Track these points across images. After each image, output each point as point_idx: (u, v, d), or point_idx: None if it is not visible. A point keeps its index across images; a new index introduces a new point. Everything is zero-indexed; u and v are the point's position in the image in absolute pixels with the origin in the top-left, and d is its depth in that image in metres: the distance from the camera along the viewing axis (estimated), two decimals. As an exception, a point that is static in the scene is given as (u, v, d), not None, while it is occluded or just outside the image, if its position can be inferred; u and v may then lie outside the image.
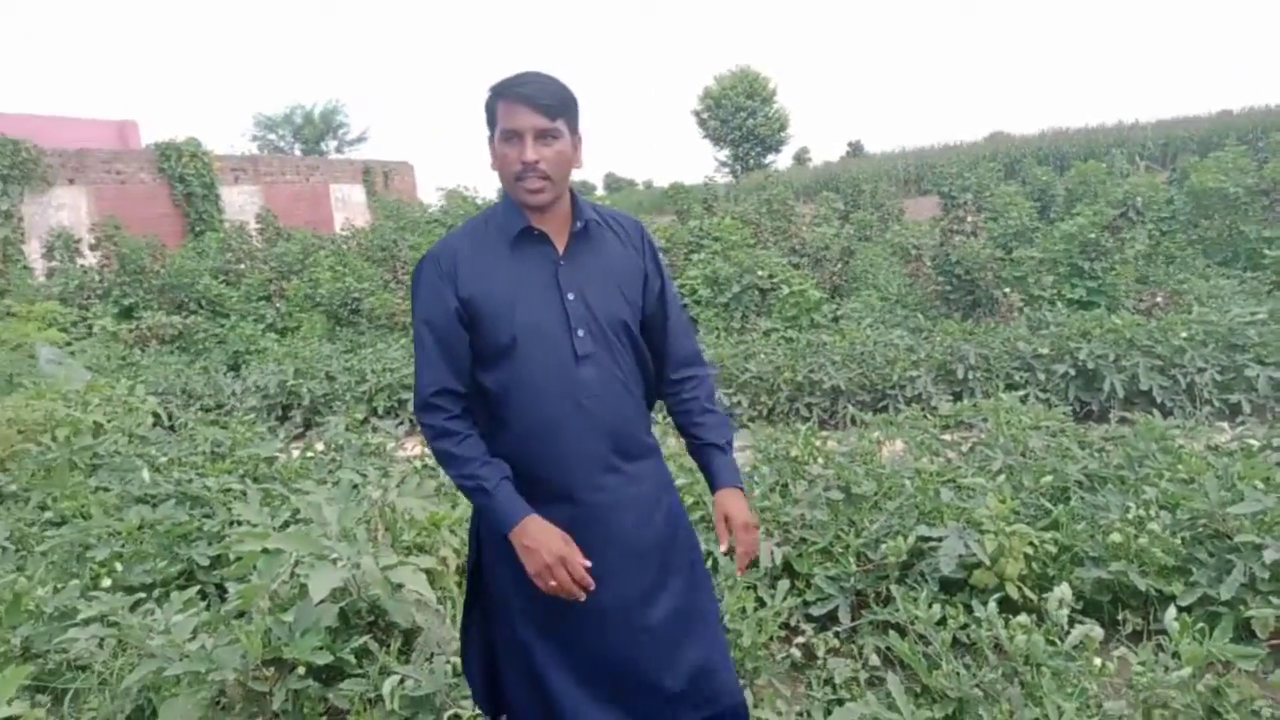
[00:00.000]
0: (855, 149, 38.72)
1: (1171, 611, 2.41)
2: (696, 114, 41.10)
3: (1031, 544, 2.85)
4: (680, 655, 1.87)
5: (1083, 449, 3.86)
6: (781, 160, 40.40)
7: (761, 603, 2.83)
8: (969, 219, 8.39)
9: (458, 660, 2.53)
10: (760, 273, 8.76)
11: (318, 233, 14.97)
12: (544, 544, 1.70)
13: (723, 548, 1.92)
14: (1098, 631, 2.35)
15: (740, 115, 39.55)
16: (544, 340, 1.76)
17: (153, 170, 15.77)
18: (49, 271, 12.08)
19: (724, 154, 41.14)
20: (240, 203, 17.31)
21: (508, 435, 1.79)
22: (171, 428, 5.72)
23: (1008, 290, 8.22)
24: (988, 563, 2.79)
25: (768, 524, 3.27)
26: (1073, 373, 5.81)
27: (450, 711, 2.37)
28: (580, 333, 1.77)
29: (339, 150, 36.21)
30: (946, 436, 4.23)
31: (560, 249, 1.80)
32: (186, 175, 16.06)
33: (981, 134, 32.18)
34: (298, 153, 33.84)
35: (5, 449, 4.49)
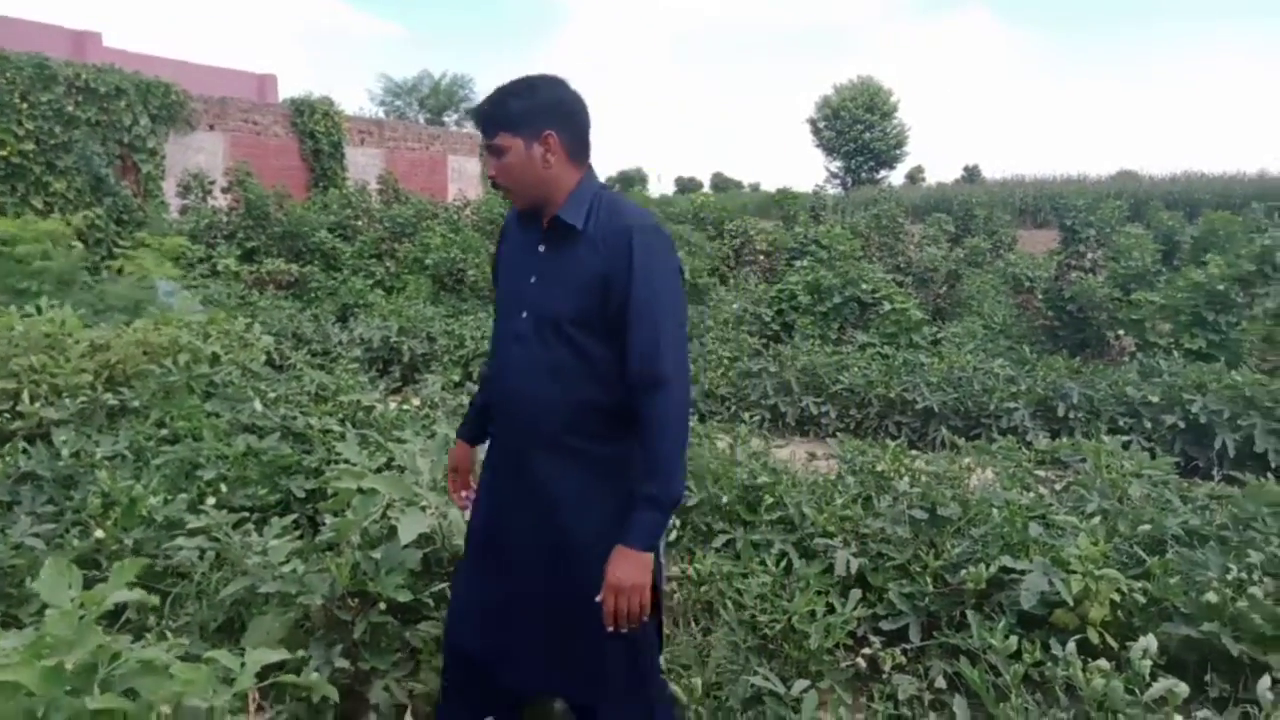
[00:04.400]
0: (971, 173, 37.72)
1: (1266, 681, 2.30)
2: (812, 122, 40.67)
3: (1120, 591, 2.75)
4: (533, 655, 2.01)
5: (1185, 503, 3.70)
6: (894, 177, 39.65)
7: (831, 609, 2.82)
8: (1089, 255, 8.09)
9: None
10: (864, 286, 8.63)
11: (433, 200, 15.41)
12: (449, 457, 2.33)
13: (598, 598, 1.84)
14: (1183, 688, 2.26)
15: (857, 128, 38.94)
16: (505, 312, 2.01)
17: (286, 124, 16.50)
18: (182, 209, 12.78)
19: (836, 165, 40.61)
20: (363, 163, 17.95)
21: None
22: (280, 367, 6.01)
23: (1121, 333, 7.89)
24: (1070, 603, 2.71)
25: (845, 534, 3.25)
26: (1182, 425, 5.55)
27: (518, 666, 2.44)
28: (524, 314, 1.93)
29: (458, 124, 37.14)
30: (1040, 472, 4.11)
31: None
32: (317, 132, 16.75)
33: (1108, 170, 30.90)
34: (421, 121, 34.83)
35: (132, 367, 4.79)
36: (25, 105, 11.34)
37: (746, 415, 5.46)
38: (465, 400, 5.03)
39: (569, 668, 1.98)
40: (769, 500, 3.50)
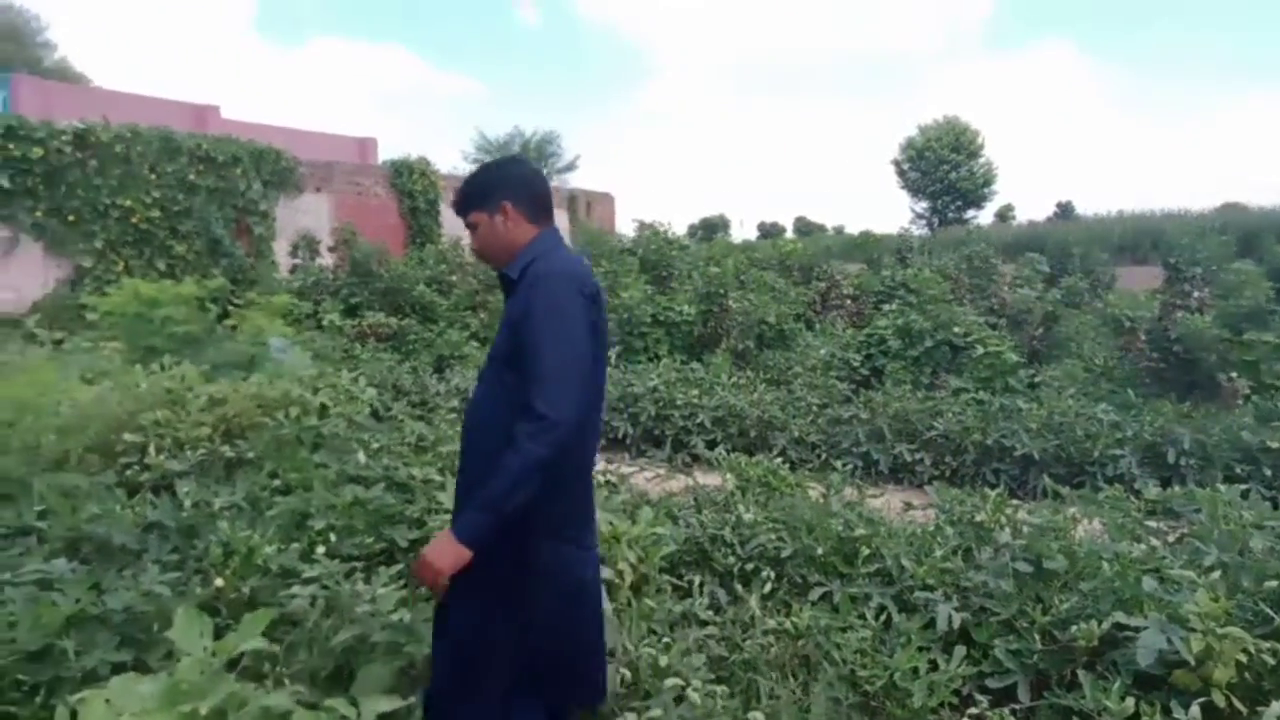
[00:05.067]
0: (1065, 210, 36.52)
1: None
2: (896, 164, 40.21)
3: (1246, 651, 2.61)
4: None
5: (1314, 557, 3.48)
6: (983, 216, 38.76)
7: (934, 665, 2.76)
8: (1195, 294, 7.76)
9: (627, 671, 2.63)
10: (955, 329, 8.47)
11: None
12: None
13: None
14: (1321, 757, 2.13)
15: (943, 168, 38.32)
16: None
17: (385, 185, 17.25)
18: (292, 268, 13.47)
19: (921, 206, 39.97)
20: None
21: None
22: (381, 418, 6.23)
23: (1233, 375, 7.52)
24: (1192, 663, 2.59)
25: (946, 587, 3.18)
26: (1307, 473, 5.25)
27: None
28: (488, 358, 2.27)
29: (548, 178, 38.08)
30: (1151, 523, 3.94)
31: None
32: (414, 191, 17.46)
33: (1212, 203, 29.62)
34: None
35: (247, 420, 5.06)
36: (153, 176, 12.22)
37: (838, 463, 5.40)
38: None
39: None
40: (866, 552, 3.46)
